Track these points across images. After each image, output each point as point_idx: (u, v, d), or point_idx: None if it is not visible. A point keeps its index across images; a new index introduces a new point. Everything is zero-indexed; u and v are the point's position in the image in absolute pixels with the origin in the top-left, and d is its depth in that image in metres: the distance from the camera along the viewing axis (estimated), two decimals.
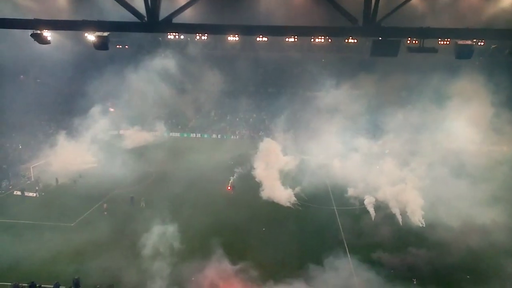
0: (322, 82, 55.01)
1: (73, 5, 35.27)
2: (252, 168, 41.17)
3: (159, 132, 57.63)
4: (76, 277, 22.60)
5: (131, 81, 51.43)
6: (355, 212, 34.28)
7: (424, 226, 30.76)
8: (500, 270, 24.96)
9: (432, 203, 33.16)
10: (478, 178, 37.51)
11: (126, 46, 64.47)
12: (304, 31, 18.48)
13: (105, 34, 18.61)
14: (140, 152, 49.09)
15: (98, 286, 22.30)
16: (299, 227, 31.43)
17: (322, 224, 31.79)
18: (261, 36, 57.22)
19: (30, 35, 18.84)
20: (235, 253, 25.51)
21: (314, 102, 55.55)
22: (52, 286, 22.20)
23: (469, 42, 18.10)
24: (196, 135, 62.84)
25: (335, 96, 52.53)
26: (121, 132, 56.41)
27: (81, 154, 44.17)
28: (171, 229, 27.17)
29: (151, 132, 56.57)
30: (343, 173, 40.84)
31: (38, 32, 18.46)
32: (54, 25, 18.35)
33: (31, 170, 40.99)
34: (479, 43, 46.99)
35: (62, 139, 44.56)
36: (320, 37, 55.37)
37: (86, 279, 23.01)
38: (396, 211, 32.69)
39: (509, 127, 47.19)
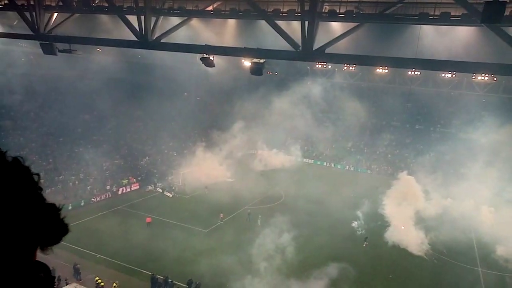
0: (480, 124, 48.88)
1: (237, 32, 39.30)
2: (381, 205, 37.97)
3: (294, 157, 58.92)
4: (197, 282, 24.39)
5: (276, 106, 54.29)
6: (505, 277, 28.89)
7: None
8: None
9: None
10: None
11: (276, 73, 68.82)
12: (465, 67, 16.86)
13: (262, 61, 20.27)
14: (274, 174, 50.83)
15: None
16: (433, 283, 27.85)
17: (461, 285, 27.58)
18: (413, 69, 54.29)
19: (200, 59, 21.69)
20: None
21: (468, 145, 49.59)
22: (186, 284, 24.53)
23: None
24: (328, 164, 62.17)
25: (494, 140, 45.80)
26: (259, 152, 59.59)
27: (219, 167, 48.22)
28: (284, 249, 27.75)
29: (287, 156, 58.21)
30: (492, 228, 35.00)
31: (207, 56, 21.18)
32: (221, 51, 20.90)
33: (178, 175, 46.41)
34: None
35: (207, 152, 49.40)
36: (483, 74, 49.58)
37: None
38: None
39: None
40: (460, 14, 14.83)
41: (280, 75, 67.22)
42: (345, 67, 61.65)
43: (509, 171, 42.70)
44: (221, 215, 36.34)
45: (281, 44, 18.86)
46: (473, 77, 52.62)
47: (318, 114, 59.86)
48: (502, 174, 42.20)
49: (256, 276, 24.68)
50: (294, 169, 54.07)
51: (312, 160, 63.13)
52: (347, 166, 61.25)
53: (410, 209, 36.38)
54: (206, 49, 20.50)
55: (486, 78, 51.79)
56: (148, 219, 34.32)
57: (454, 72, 49.04)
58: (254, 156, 56.64)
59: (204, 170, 46.39)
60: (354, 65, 54.64)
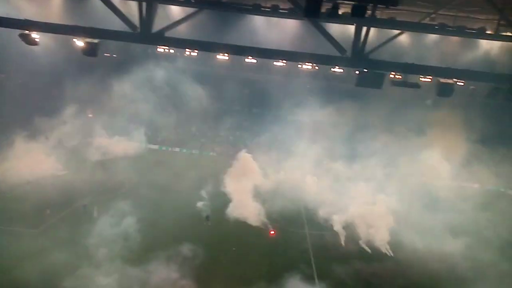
0: (306, 107, 56.01)
1: (65, 8, 34.88)
2: (223, 183, 40.36)
3: (138, 143, 56.52)
4: None
5: (115, 90, 50.82)
6: (325, 234, 34.50)
7: (391, 253, 31.51)
8: None
9: (399, 227, 34.12)
10: (445, 211, 39.21)
11: (114, 55, 64.33)
12: (293, 57, 19.04)
13: (96, 41, 18.63)
14: (116, 162, 47.73)
15: None
16: (270, 248, 31.09)
17: (291, 247, 31.60)
18: (250, 57, 58.41)
19: (18, 35, 18.61)
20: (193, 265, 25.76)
21: (296, 125, 56.26)
22: None
23: (450, 81, 18.99)
24: (174, 149, 62.26)
25: (317, 121, 53.27)
26: (98, 139, 55.09)
27: (47, 159, 42.71)
28: (127, 236, 27.50)
29: (130, 143, 55.39)
30: (315, 194, 41.05)
31: (27, 33, 18.28)
32: (45, 27, 18.24)
33: None
34: (458, 83, 49.08)
35: (31, 142, 43.21)
36: (308, 63, 56.80)
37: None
38: (364, 233, 33.45)
39: (481, 166, 49.24)
40: (288, 8, 16.54)
41: (119, 57, 63.16)
42: (187, 52, 61.97)
43: (328, 145, 50.34)
44: (47, 211, 32.48)
45: (119, 25, 17.75)
46: (300, 66, 60.45)
47: (161, 99, 58.64)
48: (323, 148, 49.45)
49: (95, 268, 23.73)
50: (138, 156, 51.88)
51: (157, 146, 62.00)
52: (193, 150, 62.39)
53: (248, 185, 39.52)
54: (26, 25, 17.68)
55: (310, 67, 60.06)
56: None
57: (285, 61, 54.75)
58: (91, 144, 51.96)
59: (27, 162, 40.22)
60: (196, 51, 55.46)
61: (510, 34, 21.64)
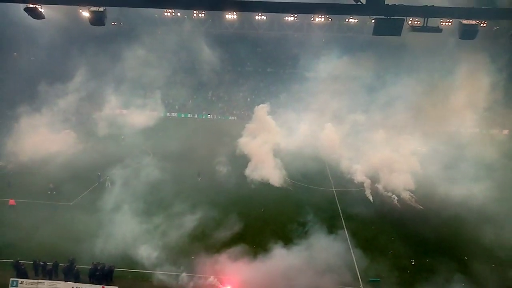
0: (322, 62, 54.45)
1: None
2: (241, 143, 40.57)
3: (157, 113, 56.65)
4: (71, 258, 22.19)
5: (128, 59, 50.43)
6: (351, 188, 34.56)
7: (417, 204, 31.25)
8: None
9: (424, 172, 34.37)
10: (471, 157, 38.86)
11: (121, 23, 63.57)
12: (304, 8, 18.01)
13: (101, 9, 18.19)
14: (138, 133, 47.80)
15: (96, 263, 22.06)
16: (298, 208, 30.98)
17: (320, 205, 31.39)
18: (260, 14, 56.74)
19: (24, 10, 18.35)
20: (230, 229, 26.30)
21: (314, 82, 55.00)
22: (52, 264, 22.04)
23: (473, 22, 17.73)
24: (193, 116, 62.55)
25: (334, 75, 52.01)
26: (121, 111, 55.45)
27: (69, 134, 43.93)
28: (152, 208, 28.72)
29: (149, 113, 55.56)
30: (337, 148, 41.08)
31: (32, 6, 17.94)
32: None
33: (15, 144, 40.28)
34: (481, 25, 46.17)
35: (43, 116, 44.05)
36: (320, 16, 54.70)
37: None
38: (387, 179, 33.53)
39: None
40: None
41: (127, 25, 62.37)
42: (195, 14, 60.53)
43: (348, 98, 49.12)
44: (51, 185, 32.99)
45: None
46: (312, 19, 58.37)
47: (175, 65, 58.03)
48: (343, 101, 48.30)
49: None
50: (158, 124, 52.20)
51: (176, 114, 62.40)
52: (210, 115, 62.53)
53: (267, 142, 39.51)
54: None
55: (322, 19, 57.92)
56: (11, 201, 29.51)
57: (296, 15, 52.81)
58: (109, 118, 52.07)
59: (50, 139, 41.25)
60: (202, 12, 53.88)
61: None
